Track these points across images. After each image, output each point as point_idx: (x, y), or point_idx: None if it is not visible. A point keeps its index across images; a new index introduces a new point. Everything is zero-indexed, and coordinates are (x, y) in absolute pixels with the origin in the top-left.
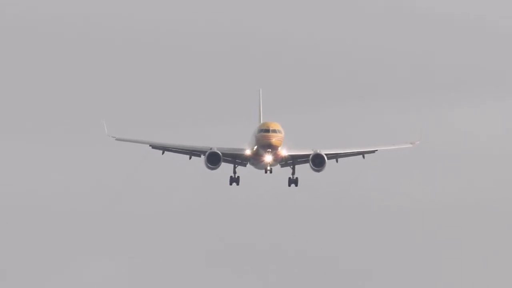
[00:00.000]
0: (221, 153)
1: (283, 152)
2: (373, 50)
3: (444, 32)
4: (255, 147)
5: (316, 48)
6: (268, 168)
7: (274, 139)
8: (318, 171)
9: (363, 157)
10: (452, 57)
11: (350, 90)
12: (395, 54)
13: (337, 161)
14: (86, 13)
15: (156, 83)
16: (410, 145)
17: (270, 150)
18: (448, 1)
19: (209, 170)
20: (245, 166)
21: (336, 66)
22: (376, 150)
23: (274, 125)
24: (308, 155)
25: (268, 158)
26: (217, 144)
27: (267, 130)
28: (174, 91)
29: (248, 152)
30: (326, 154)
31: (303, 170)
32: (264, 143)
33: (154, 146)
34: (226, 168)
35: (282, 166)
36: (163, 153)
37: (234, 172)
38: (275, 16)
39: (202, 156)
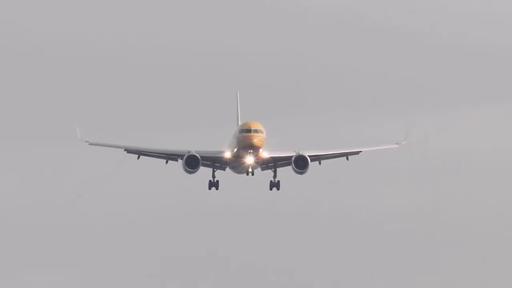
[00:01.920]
0: (200, 156)
1: (265, 154)
2: (352, 55)
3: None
4: (236, 148)
5: (296, 53)
6: (250, 170)
7: (256, 139)
8: (301, 173)
9: (347, 158)
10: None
11: (331, 93)
12: (377, 59)
13: (320, 163)
14: (64, 19)
15: (129, 87)
16: (396, 146)
17: (252, 151)
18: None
19: (187, 174)
20: (224, 170)
21: (314, 70)
22: (361, 151)
23: (256, 125)
24: (290, 157)
25: (249, 159)
26: (194, 148)
27: (249, 130)
28: (149, 95)
29: (227, 154)
30: (308, 156)
31: (285, 173)
32: (245, 144)
33: (129, 151)
34: (204, 172)
35: (262, 169)
36: (138, 157)
37: (213, 176)
38: (256, 23)
39: (180, 160)
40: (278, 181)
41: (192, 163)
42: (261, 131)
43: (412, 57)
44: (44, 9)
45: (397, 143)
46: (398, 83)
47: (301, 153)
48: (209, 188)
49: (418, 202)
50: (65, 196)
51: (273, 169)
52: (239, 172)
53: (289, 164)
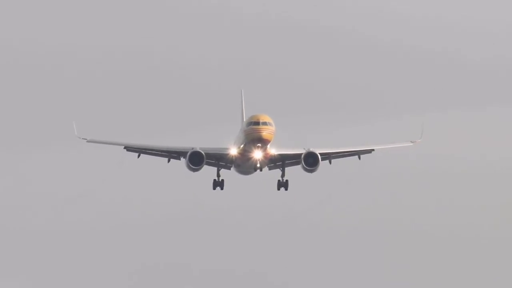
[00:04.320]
0: (204, 153)
1: (273, 151)
2: (361, 55)
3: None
4: (243, 143)
5: (303, 52)
6: (258, 165)
7: (265, 132)
8: (310, 171)
9: (359, 157)
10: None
11: (339, 91)
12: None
13: (330, 162)
14: (63, 17)
15: (131, 84)
16: (411, 144)
17: (260, 145)
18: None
19: (191, 172)
20: (229, 169)
21: (324, 69)
22: (373, 150)
23: (265, 118)
24: (299, 155)
25: (257, 154)
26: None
27: (257, 123)
28: (151, 93)
29: (233, 151)
30: (319, 154)
31: (294, 173)
32: (254, 137)
33: (129, 148)
34: (209, 171)
35: (270, 168)
36: (139, 156)
37: (218, 175)
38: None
39: (182, 159)
40: (287, 181)
41: (196, 160)
42: (270, 124)
43: (420, 59)
44: (44, 9)
45: (412, 141)
46: (414, 83)
47: (311, 150)
48: (214, 188)
49: (433, 203)
50: (61, 196)
51: (281, 168)
52: (245, 172)
53: (298, 163)
